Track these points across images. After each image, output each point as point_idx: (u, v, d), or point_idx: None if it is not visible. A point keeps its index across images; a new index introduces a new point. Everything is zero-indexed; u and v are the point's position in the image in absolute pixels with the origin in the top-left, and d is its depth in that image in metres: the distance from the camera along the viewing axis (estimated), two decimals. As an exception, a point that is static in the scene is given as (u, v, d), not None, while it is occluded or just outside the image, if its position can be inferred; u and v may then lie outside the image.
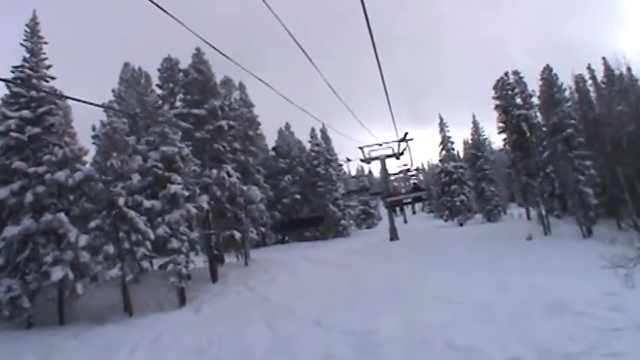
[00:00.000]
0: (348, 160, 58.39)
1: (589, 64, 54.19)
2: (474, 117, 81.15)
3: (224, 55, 11.89)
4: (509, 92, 51.85)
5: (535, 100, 51.76)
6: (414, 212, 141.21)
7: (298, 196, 70.48)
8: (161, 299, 29.60)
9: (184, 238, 28.86)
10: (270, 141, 73.83)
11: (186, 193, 30.11)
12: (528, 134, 49.66)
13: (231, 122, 36.82)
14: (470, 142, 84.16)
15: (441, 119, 76.87)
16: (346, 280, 31.16)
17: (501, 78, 52.92)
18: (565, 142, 45.61)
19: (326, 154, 73.77)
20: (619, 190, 47.13)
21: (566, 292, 23.29)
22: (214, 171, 33.53)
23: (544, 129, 50.50)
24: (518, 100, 51.36)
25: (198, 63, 36.65)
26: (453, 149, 77.42)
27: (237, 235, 35.73)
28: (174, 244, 28.24)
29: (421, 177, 68.55)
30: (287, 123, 77.30)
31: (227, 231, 35.54)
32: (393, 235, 52.09)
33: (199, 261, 36.76)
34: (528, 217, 59.57)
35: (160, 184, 29.93)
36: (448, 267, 32.79)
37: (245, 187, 36.78)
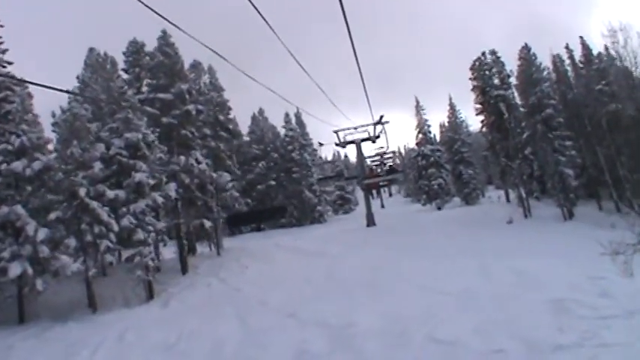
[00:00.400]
0: (321, 144, 56.83)
1: (567, 44, 53.13)
2: (450, 99, 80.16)
3: (190, 36, 11.51)
4: (487, 72, 50.85)
5: (513, 81, 50.92)
6: (390, 194, 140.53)
7: (273, 183, 69.35)
8: (128, 293, 28.18)
9: (151, 229, 27.47)
10: (244, 127, 72.73)
11: (152, 182, 28.68)
12: (506, 115, 48.71)
13: (200, 107, 35.30)
14: (447, 125, 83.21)
15: (417, 102, 75.65)
16: (322, 269, 30.08)
17: (478, 58, 51.91)
18: (544, 123, 44.73)
19: (300, 140, 72.61)
20: (599, 172, 46.50)
21: (552, 278, 22.49)
22: (182, 158, 32.06)
23: (522, 110, 49.62)
24: (496, 81, 50.37)
25: (164, 45, 35.04)
26: (430, 132, 76.29)
27: (208, 224, 34.29)
28: (140, 235, 26.83)
29: (397, 161, 67.46)
30: (260, 108, 76.05)
31: (197, 220, 34.08)
32: (370, 221, 50.96)
33: (169, 252, 35.52)
34: (507, 200, 58.69)
35: (125, 172, 28.45)
36: (427, 253, 31.82)
37: (215, 174, 35.36)
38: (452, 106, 79.31)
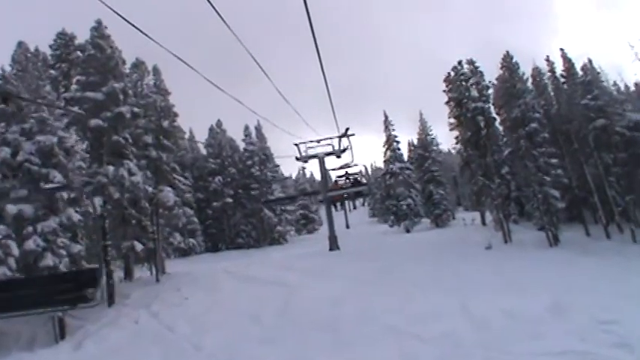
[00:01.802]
0: (297, 159, 51.01)
1: (547, 56, 49.32)
2: (421, 115, 76.30)
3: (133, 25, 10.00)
4: (464, 83, 46.48)
5: (492, 93, 46.76)
6: (354, 207, 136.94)
7: (230, 200, 64.67)
8: (37, 331, 23.15)
9: (63, 252, 22.36)
10: (201, 139, 68.47)
11: (70, 195, 23.68)
12: (485, 130, 44.47)
13: (136, 109, 30.22)
14: (416, 142, 79.05)
15: (386, 117, 71.42)
16: (275, 303, 25.30)
17: (454, 68, 47.52)
18: (528, 138, 40.51)
19: (261, 154, 68.11)
20: (586, 193, 42.56)
21: (553, 322, 18.29)
22: (111, 168, 27.00)
23: (504, 124, 45.39)
24: (474, 92, 46.05)
25: (97, 38, 30.00)
26: (399, 149, 72.02)
27: (140, 247, 29.13)
28: (49, 260, 21.78)
29: (364, 180, 63.12)
30: (219, 120, 71.41)
31: (127, 242, 28.94)
32: (333, 244, 46.16)
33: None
34: (483, 223, 54.35)
35: (34, 183, 23.34)
36: (398, 286, 27.17)
37: (151, 189, 30.29)
38: (422, 123, 75.62)
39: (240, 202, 65.65)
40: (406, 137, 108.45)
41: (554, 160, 40.60)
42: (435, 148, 76.18)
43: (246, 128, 68.94)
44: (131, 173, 27.93)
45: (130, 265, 33.69)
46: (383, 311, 21.90)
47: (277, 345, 19.06)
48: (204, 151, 70.16)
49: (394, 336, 18.76)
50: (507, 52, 43.98)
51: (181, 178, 58.96)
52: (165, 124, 34.96)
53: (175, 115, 36.97)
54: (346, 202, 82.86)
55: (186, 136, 69.36)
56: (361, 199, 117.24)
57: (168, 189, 33.55)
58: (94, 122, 27.56)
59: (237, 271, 34.35)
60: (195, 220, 61.89)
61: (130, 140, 29.82)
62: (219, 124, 71.36)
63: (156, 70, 37.76)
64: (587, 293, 22.90)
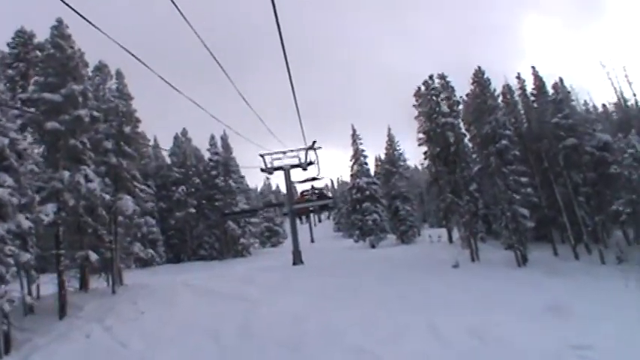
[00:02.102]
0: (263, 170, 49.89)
1: (518, 74, 48.95)
2: (389, 130, 75.50)
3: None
4: (434, 98, 45.89)
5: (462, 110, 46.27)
6: (319, 220, 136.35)
7: (193, 210, 63.34)
8: (-17, 344, 21.79)
9: (11, 261, 20.99)
10: (166, 148, 67.15)
11: (21, 201, 22.36)
12: (455, 146, 43.90)
13: (96, 113, 28.91)
14: (383, 158, 78.37)
15: (354, 131, 70.54)
16: (235, 319, 24.22)
17: (425, 82, 46.92)
18: (499, 156, 39.95)
19: (226, 165, 66.87)
20: (556, 212, 42.17)
21: (525, 345, 17.75)
22: (66, 173, 25.66)
23: (474, 140, 44.76)
24: (444, 107, 45.51)
25: (57, 37, 28.62)
26: (366, 164, 71.13)
27: (94, 256, 27.75)
28: (-5, 269, 20.42)
29: (329, 194, 62.16)
30: (184, 128, 70.14)
31: (82, 252, 27.52)
32: (297, 259, 45.07)
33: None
34: (450, 240, 53.68)
35: (-19, 187, 21.99)
36: (363, 303, 26.31)
37: (109, 197, 28.94)
38: (390, 137, 74.76)
39: (203, 212, 64.36)
40: (373, 153, 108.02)
41: (524, 179, 40.06)
42: (402, 163, 75.48)
43: (212, 138, 67.67)
44: (88, 179, 26.60)
45: (85, 275, 32.25)
46: (347, 330, 21.11)
47: (235, 366, 18.17)
48: (168, 160, 68.73)
49: (359, 357, 17.93)
50: (479, 67, 43.41)
51: (144, 187, 57.55)
52: (127, 129, 33.65)
53: (138, 120, 35.60)
54: (311, 215, 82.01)
55: (151, 144, 67.98)
56: (326, 213, 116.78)
57: (128, 197, 32.23)
58: (51, 125, 26.20)
59: (198, 285, 33.12)
60: (157, 230, 60.57)
61: (89, 145, 28.47)
62: (184, 132, 70.17)
63: (119, 74, 36.31)
64: (556, 314, 22.32)
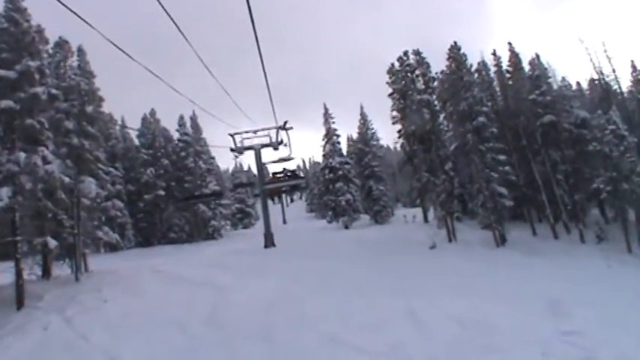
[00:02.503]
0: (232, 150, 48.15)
1: (494, 50, 48.16)
2: (361, 108, 74.30)
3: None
4: (409, 74, 44.74)
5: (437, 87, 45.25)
6: (292, 200, 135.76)
7: (162, 193, 61.81)
8: None
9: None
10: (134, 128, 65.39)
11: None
12: (430, 124, 42.90)
13: (54, 91, 27.30)
14: (356, 136, 77.27)
15: (326, 109, 69.36)
16: (203, 307, 22.93)
17: (400, 58, 45.74)
18: (476, 133, 39.05)
19: (195, 146, 65.35)
20: (534, 191, 41.44)
21: (510, 331, 16.63)
22: (22, 154, 24.09)
23: (450, 118, 43.73)
24: (420, 84, 44.43)
25: (11, 10, 26.94)
26: (339, 143, 69.91)
27: (54, 243, 26.23)
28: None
29: (301, 174, 60.96)
30: (152, 109, 68.25)
31: (40, 238, 25.99)
32: (269, 241, 43.83)
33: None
34: (425, 220, 52.81)
35: None
36: (337, 287, 25.17)
37: (68, 179, 27.25)
38: (363, 116, 73.64)
39: (172, 194, 62.86)
40: (344, 133, 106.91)
41: (502, 157, 39.34)
42: (375, 142, 74.43)
43: (181, 118, 66.24)
44: (46, 161, 25.00)
45: (48, 263, 30.79)
46: (321, 318, 19.93)
47: (202, 357, 16.94)
48: (136, 142, 67.05)
49: (334, 348, 16.83)
50: (455, 42, 42.33)
51: (111, 169, 56.17)
52: (90, 109, 32.10)
53: (101, 99, 33.97)
54: (283, 196, 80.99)
55: (118, 125, 66.28)
56: (298, 194, 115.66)
57: (91, 180, 30.71)
58: (5, 103, 24.52)
59: (165, 270, 31.79)
60: (126, 213, 59.04)
61: (47, 125, 26.88)
62: (152, 113, 68.28)
63: (81, 51, 34.71)
64: (540, 297, 21.46)
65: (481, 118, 39.36)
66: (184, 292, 26.32)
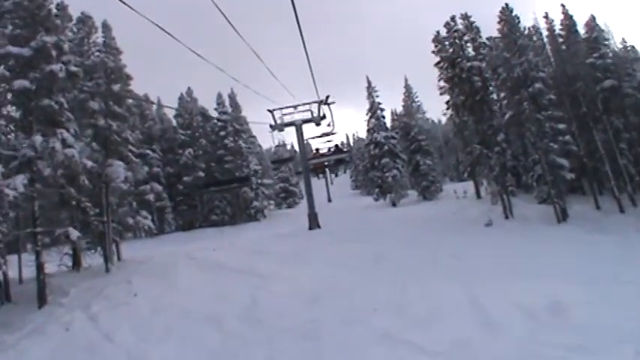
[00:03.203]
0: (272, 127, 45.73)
1: (546, 13, 44.83)
2: (406, 81, 71.73)
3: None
4: (458, 41, 41.62)
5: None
6: (336, 175, 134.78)
7: (202, 174, 59.90)
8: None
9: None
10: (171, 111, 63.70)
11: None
12: (482, 92, 39.86)
13: (74, 68, 25.01)
14: (401, 109, 74.32)
15: (369, 83, 66.50)
16: (241, 300, 20.78)
17: (447, 24, 42.59)
18: (532, 101, 36.00)
19: (235, 125, 63.18)
20: (596, 162, 38.27)
21: (590, 324, 13.97)
22: (38, 138, 21.95)
23: (503, 85, 40.55)
24: (469, 50, 41.35)
25: (25, -18, 24.95)
26: (384, 117, 67.11)
27: (75, 234, 24.06)
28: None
29: (345, 149, 57.97)
30: (189, 88, 66.23)
31: (61, 229, 23.90)
32: (313, 223, 41.47)
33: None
34: (478, 195, 49.79)
35: None
36: (390, 274, 22.72)
37: (90, 163, 24.89)
38: (407, 89, 70.95)
39: (213, 176, 60.89)
40: (387, 109, 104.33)
41: (560, 126, 36.21)
42: (420, 116, 71.45)
43: (219, 96, 64.05)
44: (66, 145, 22.90)
45: (77, 253, 28.99)
46: (372, 310, 17.55)
47: (240, 360, 14.79)
48: (174, 122, 65.24)
49: (389, 346, 14.48)
50: (506, 4, 39.19)
51: (149, 151, 54.48)
52: (116, 87, 29.93)
53: (129, 77, 31.68)
54: (327, 173, 79.00)
55: (154, 103, 64.69)
56: (343, 168, 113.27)
57: (119, 163, 28.58)
58: (19, 84, 22.42)
59: (202, 257, 29.61)
60: (165, 196, 57.40)
61: (66, 105, 24.70)
62: (189, 92, 66.42)
63: (105, 27, 32.28)
64: (621, 284, 18.70)
65: (537, 85, 36.33)
66: (221, 282, 24.21)
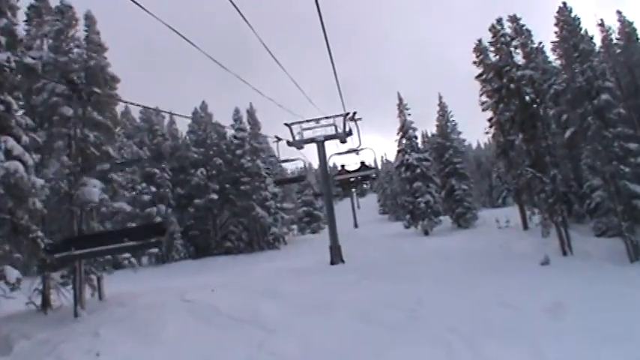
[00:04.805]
0: (278, 139, 40.97)
1: (601, 20, 39.26)
2: (440, 99, 65.50)
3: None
4: (505, 47, 35.71)
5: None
6: (363, 195, 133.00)
7: (215, 196, 54.62)
8: None
9: None
10: (183, 125, 59.25)
11: None
12: (535, 106, 33.99)
13: (30, 60, 19.71)
14: (434, 130, 68.40)
15: (400, 100, 60.75)
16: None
17: (492, 28, 36.65)
18: (598, 115, 30.18)
19: (253, 143, 58.08)
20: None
21: None
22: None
23: (565, 96, 34.92)
24: (519, 57, 35.51)
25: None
26: (416, 137, 61.35)
27: (12, 273, 18.27)
28: None
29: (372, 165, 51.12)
30: (203, 101, 61.29)
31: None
32: (336, 256, 35.93)
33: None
34: (525, 226, 43.44)
35: None
36: (428, 328, 17.38)
37: (42, 181, 19.22)
38: (442, 107, 64.87)
39: (227, 198, 55.65)
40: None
41: (632, 145, 30.33)
42: (455, 137, 65.57)
43: (237, 112, 58.84)
44: (11, 156, 17.49)
45: (47, 290, 23.73)
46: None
47: None
48: (186, 139, 60.64)
49: None
50: (564, 3, 33.59)
51: (157, 171, 49.59)
52: (98, 91, 24.60)
53: (114, 79, 26.25)
54: (354, 197, 73.91)
55: (166, 121, 59.90)
56: (368, 184, 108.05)
57: (95, 182, 23.07)
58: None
59: (197, 299, 23.88)
60: (174, 220, 52.33)
61: (16, 107, 19.18)
62: (203, 107, 61.24)
63: (89, 19, 27.00)
64: None
65: (604, 96, 30.51)
66: (214, 336, 18.75)
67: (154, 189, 51.48)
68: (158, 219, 49.12)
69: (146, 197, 50.43)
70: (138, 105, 26.03)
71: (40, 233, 18.69)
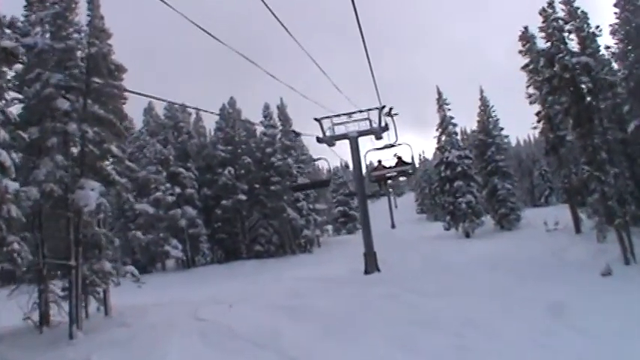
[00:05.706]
0: (296, 133, 37.85)
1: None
2: (481, 92, 61.76)
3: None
4: (557, 32, 32.07)
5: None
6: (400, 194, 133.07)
7: (244, 197, 52.12)
8: None
9: None
10: (210, 122, 57.25)
11: None
12: (592, 96, 30.37)
13: (7, 42, 16.58)
14: (475, 126, 64.78)
15: (440, 94, 57.73)
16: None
17: (543, 11, 33.08)
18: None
19: (284, 140, 55.58)
20: None
21: None
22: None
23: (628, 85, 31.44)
24: (573, 43, 31.86)
25: None
26: (456, 134, 58.30)
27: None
28: None
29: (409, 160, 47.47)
30: (232, 97, 58.71)
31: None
32: (370, 265, 32.96)
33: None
34: (577, 229, 39.83)
35: None
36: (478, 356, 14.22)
37: (16, 185, 16.27)
38: (483, 101, 61.21)
39: (257, 199, 53.10)
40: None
41: None
42: (497, 133, 61.91)
43: (266, 107, 56.50)
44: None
45: (44, 305, 21.21)
46: None
47: None
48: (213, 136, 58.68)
49: None
50: (627, -22, 30.10)
51: (182, 170, 47.60)
52: (100, 81, 21.85)
53: (120, 69, 23.40)
54: (391, 195, 70.91)
55: (192, 118, 57.60)
56: (405, 179, 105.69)
57: (93, 185, 20.27)
58: None
59: (211, 318, 21.09)
60: (200, 222, 49.97)
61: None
62: (232, 102, 58.77)
63: (92, 2, 24.17)
64: None
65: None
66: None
67: (178, 190, 49.37)
68: (183, 222, 46.89)
69: (170, 198, 48.18)
70: (157, 99, 22.80)
71: (16, 246, 15.87)
